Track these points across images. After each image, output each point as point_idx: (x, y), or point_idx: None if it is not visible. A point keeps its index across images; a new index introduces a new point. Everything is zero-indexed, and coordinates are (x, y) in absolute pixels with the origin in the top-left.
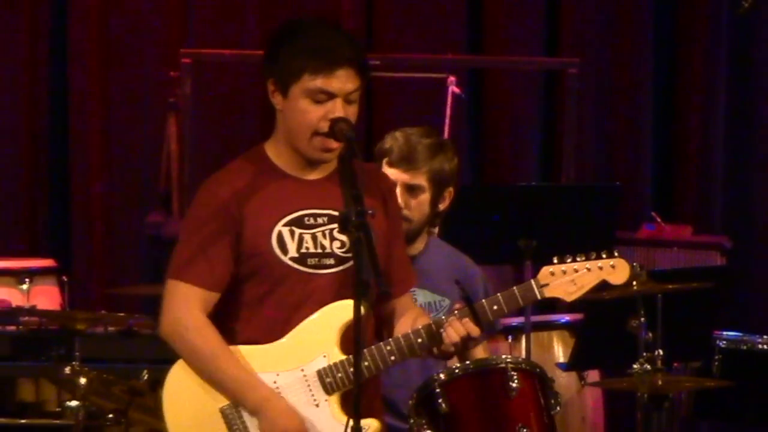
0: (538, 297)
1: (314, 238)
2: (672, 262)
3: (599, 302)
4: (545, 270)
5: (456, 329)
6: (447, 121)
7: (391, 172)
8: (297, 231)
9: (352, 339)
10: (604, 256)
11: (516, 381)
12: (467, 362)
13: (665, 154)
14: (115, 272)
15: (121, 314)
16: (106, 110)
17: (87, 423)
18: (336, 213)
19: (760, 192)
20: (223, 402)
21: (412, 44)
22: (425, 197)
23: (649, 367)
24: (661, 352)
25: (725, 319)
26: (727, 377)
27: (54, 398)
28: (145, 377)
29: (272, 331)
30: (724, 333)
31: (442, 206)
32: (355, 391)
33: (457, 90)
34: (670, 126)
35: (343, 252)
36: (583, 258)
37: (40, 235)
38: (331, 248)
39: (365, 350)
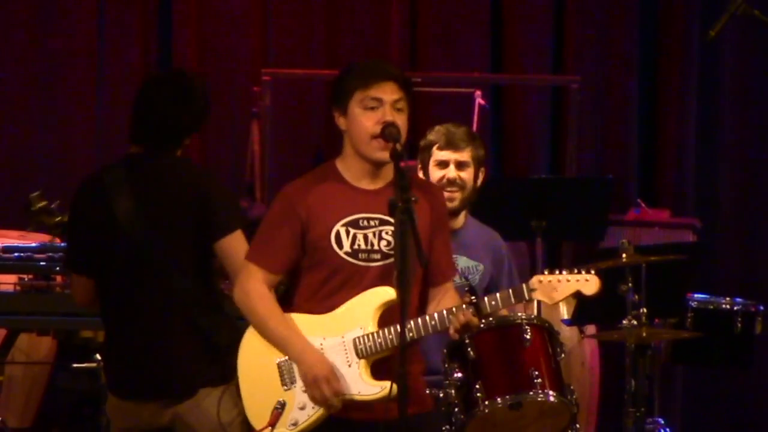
0: (527, 298)
1: (366, 237)
2: (653, 238)
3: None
4: (535, 278)
5: (458, 319)
6: (474, 127)
7: (444, 155)
8: (352, 231)
9: (384, 316)
10: (583, 272)
11: (529, 333)
12: (490, 318)
13: (648, 153)
14: None
15: None
16: None
17: None
18: (385, 217)
19: (724, 184)
20: (280, 357)
21: (446, 64)
22: (471, 171)
23: (635, 322)
24: (645, 310)
25: (696, 284)
26: (698, 330)
27: None
28: None
29: (326, 307)
30: (695, 295)
31: (478, 182)
32: (401, 346)
33: (482, 102)
34: (652, 130)
35: (388, 249)
36: (566, 272)
37: None
38: (379, 246)
39: (392, 326)
